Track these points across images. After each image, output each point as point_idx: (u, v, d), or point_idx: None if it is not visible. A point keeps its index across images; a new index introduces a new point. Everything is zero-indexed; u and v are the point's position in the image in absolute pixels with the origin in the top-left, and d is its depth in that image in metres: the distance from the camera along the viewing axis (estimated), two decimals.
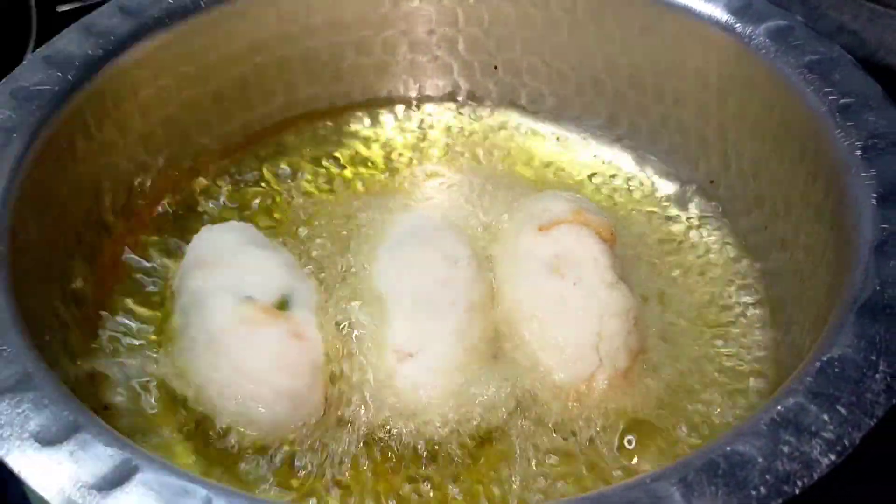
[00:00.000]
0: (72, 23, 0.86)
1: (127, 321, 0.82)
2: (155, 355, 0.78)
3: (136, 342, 0.80)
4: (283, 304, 0.75)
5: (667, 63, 0.92)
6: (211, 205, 0.93)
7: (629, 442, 0.73)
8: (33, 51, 1.06)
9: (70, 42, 0.84)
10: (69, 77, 0.81)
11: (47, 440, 0.56)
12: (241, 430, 0.72)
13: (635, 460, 0.72)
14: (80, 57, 0.82)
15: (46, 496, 0.53)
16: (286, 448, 0.72)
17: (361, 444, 0.72)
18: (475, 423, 0.72)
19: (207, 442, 0.73)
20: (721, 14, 0.86)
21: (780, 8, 0.86)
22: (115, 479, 0.54)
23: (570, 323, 0.75)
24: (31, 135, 0.76)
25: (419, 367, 0.72)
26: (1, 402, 0.58)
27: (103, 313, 0.81)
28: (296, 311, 0.75)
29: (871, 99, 0.75)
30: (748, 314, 0.83)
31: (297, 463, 0.71)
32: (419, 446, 0.71)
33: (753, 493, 0.52)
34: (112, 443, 0.56)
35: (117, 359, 0.78)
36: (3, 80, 0.80)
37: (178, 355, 0.76)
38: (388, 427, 0.72)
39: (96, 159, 0.84)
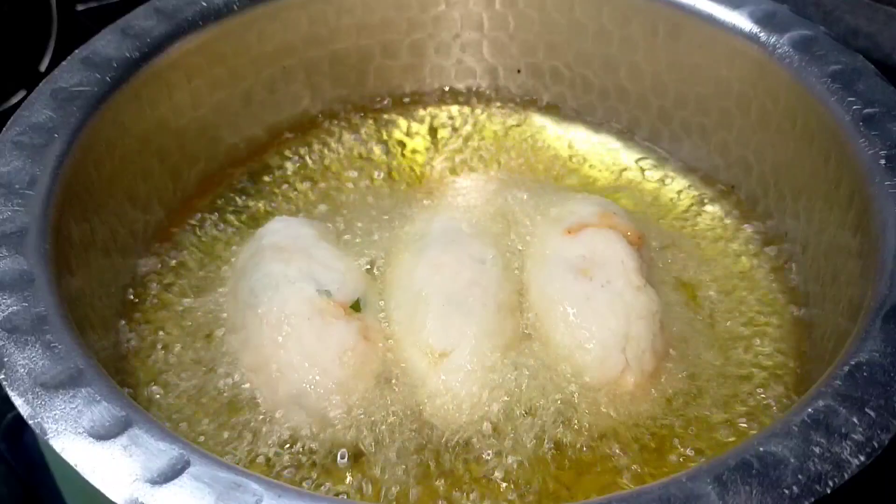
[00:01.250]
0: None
1: (163, 318, 0.83)
2: (194, 346, 0.80)
3: (173, 337, 0.82)
4: (356, 306, 0.78)
5: (690, 70, 0.94)
6: (241, 204, 0.95)
7: (657, 443, 0.74)
8: (54, 49, 1.09)
9: (108, 43, 0.85)
10: (107, 79, 0.82)
11: (101, 435, 0.57)
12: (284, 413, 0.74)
13: (664, 460, 0.73)
14: (117, 59, 0.84)
15: (102, 489, 0.55)
16: (321, 441, 0.73)
17: (394, 443, 0.73)
18: (506, 422, 0.73)
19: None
20: (745, 23, 0.88)
21: (802, 18, 0.88)
22: (169, 473, 0.55)
23: (598, 325, 0.76)
24: (71, 135, 0.77)
25: (453, 366, 0.74)
26: (55, 398, 0.59)
27: (141, 309, 0.83)
28: (367, 314, 0.78)
29: (895, 109, 0.77)
30: (769, 320, 0.84)
31: (339, 459, 0.73)
32: (452, 445, 0.73)
33: (787, 492, 0.54)
34: (164, 437, 0.57)
35: (154, 353, 0.80)
36: (44, 80, 0.82)
37: (235, 331, 0.78)
38: (423, 425, 0.74)
39: (132, 161, 0.86)
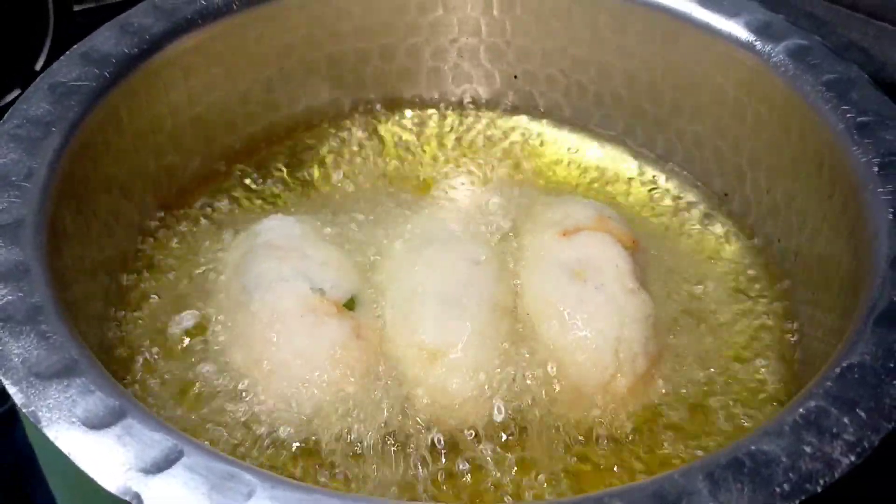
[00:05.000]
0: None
1: (154, 313, 0.83)
2: (184, 341, 0.80)
3: (164, 332, 0.82)
4: (350, 304, 0.78)
5: (686, 78, 0.95)
6: (236, 202, 0.95)
7: (649, 443, 0.75)
8: (50, 48, 1.09)
9: (106, 40, 0.85)
10: (105, 74, 0.82)
11: (94, 424, 0.57)
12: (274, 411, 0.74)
13: (656, 460, 0.74)
14: (116, 55, 0.84)
15: (96, 478, 0.55)
16: (311, 439, 0.73)
17: (386, 441, 0.73)
18: (499, 421, 0.74)
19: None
20: (741, 32, 0.89)
21: (799, 28, 0.89)
22: (162, 463, 0.55)
23: (591, 327, 0.77)
24: (68, 129, 0.77)
25: (447, 366, 0.74)
26: (49, 387, 0.59)
27: (132, 302, 0.84)
28: (361, 313, 0.78)
29: (889, 118, 0.78)
30: (761, 326, 0.85)
31: (330, 456, 0.73)
32: (444, 444, 0.73)
33: (777, 490, 0.54)
34: (158, 428, 0.57)
35: (144, 346, 0.80)
36: (42, 74, 0.82)
37: (227, 328, 0.79)
38: (415, 424, 0.74)
39: (128, 157, 0.86)
